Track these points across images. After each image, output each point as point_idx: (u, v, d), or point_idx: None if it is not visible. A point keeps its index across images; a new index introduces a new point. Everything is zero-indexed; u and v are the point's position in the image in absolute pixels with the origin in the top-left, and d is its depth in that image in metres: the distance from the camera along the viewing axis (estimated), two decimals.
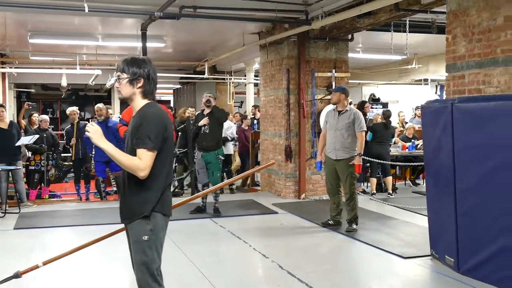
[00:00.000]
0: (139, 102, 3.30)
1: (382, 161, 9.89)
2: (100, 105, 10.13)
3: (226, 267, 5.80)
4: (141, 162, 3.10)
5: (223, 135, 9.10)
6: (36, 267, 4.12)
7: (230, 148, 11.14)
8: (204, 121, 8.25)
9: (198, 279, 5.32)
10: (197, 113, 9.18)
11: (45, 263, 4.13)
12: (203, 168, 8.41)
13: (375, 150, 10.07)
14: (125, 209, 3.31)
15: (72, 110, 10.94)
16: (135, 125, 3.20)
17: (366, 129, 7.42)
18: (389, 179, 10.38)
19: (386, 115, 10.55)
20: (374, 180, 10.46)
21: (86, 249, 4.36)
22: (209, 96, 8.34)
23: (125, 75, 3.26)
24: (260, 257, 6.16)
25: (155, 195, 3.22)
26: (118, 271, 5.59)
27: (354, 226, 7.26)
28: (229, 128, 11.15)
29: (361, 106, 10.72)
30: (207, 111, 8.32)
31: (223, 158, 8.70)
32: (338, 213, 7.50)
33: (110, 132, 9.30)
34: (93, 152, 9.81)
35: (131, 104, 3.36)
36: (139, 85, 3.26)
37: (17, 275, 4.14)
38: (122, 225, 3.45)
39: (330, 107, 7.90)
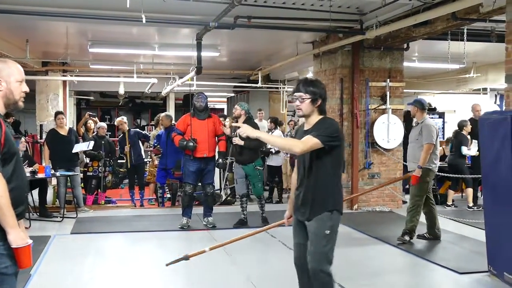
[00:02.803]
0: (315, 118, 3.76)
1: (443, 174, 9.70)
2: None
3: (276, 277, 5.74)
4: (301, 141, 3.57)
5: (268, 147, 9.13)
6: (203, 251, 4.66)
7: (278, 160, 11.03)
8: (227, 130, 8.34)
9: None
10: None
11: (211, 249, 4.68)
12: (242, 178, 8.30)
13: (449, 161, 10.31)
14: (305, 204, 3.74)
15: (119, 120, 11.21)
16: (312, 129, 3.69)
17: (433, 142, 7.19)
18: (469, 190, 10.12)
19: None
20: (451, 192, 10.41)
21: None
22: (234, 111, 8.14)
23: (307, 96, 3.68)
24: None
25: (335, 193, 3.76)
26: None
27: (406, 238, 7.10)
28: None
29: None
30: (237, 124, 8.10)
31: (261, 168, 8.48)
32: (430, 225, 7.39)
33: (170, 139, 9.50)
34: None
35: (306, 120, 3.81)
36: (318, 103, 3.72)
37: (186, 257, 4.65)
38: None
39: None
